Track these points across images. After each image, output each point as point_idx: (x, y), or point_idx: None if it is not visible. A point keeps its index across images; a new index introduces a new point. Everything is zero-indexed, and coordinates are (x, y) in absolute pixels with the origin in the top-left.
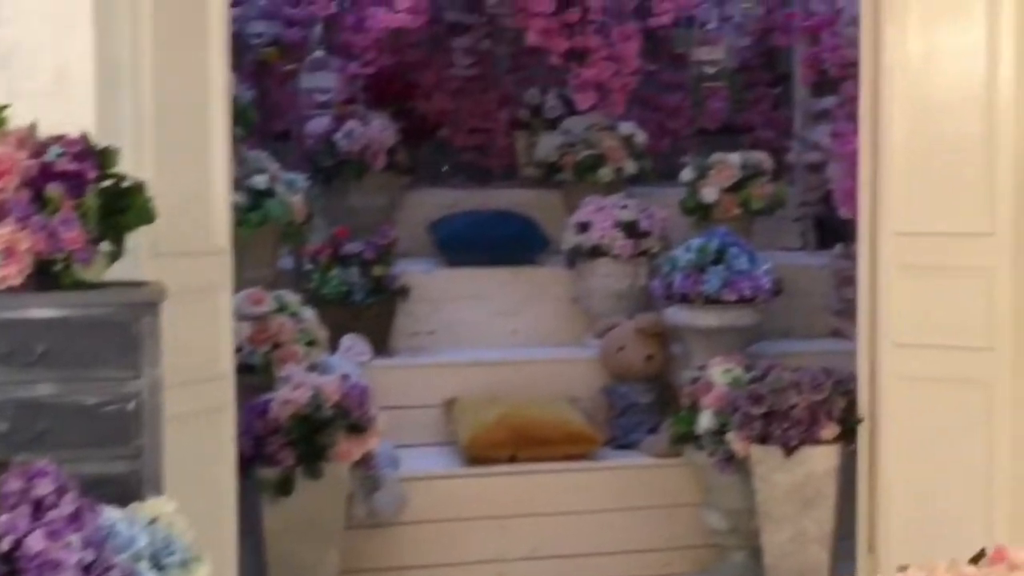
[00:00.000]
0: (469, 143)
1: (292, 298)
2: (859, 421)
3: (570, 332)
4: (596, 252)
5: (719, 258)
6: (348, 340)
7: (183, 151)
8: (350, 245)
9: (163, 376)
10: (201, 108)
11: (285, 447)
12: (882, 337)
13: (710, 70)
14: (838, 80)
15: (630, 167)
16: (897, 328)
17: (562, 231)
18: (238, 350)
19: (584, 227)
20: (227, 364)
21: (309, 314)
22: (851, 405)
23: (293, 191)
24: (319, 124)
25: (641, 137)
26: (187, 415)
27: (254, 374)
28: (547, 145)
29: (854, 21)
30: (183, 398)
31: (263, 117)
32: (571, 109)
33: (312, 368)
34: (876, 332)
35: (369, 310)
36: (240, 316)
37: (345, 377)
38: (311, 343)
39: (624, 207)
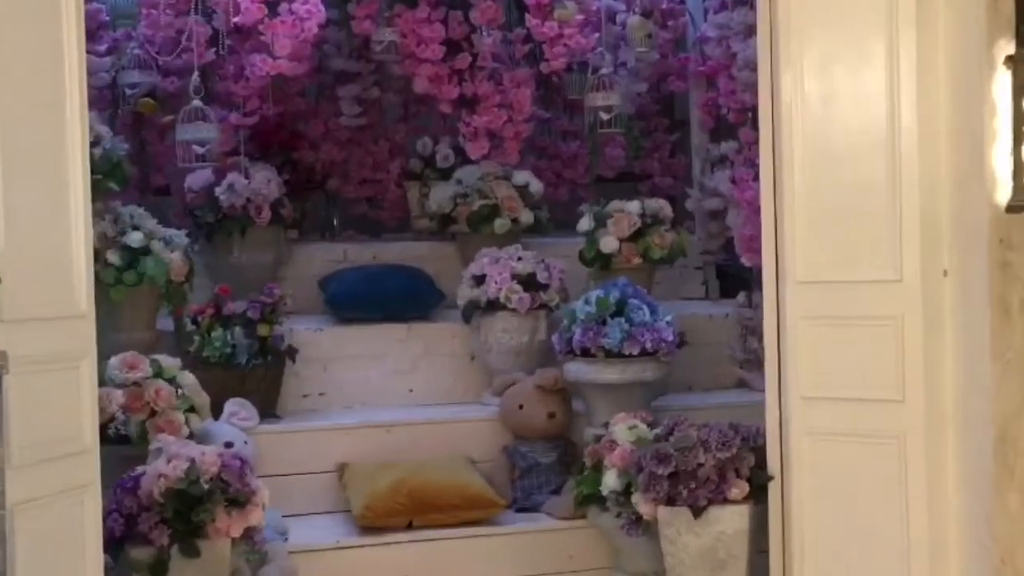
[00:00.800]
0: (360, 194)
1: (170, 362)
2: (769, 479)
3: (468, 390)
4: (493, 306)
5: (620, 310)
6: (232, 405)
7: (35, 207)
8: (233, 304)
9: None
10: (56, 160)
11: (158, 525)
12: (790, 391)
13: (605, 116)
14: (736, 125)
15: (526, 217)
16: (805, 381)
17: (457, 284)
18: (111, 420)
19: (480, 280)
20: (90, 438)
21: (189, 379)
22: (761, 462)
23: (172, 248)
24: (199, 177)
25: (537, 186)
26: (45, 497)
27: (130, 445)
28: (440, 196)
29: (749, 65)
30: (40, 479)
31: (141, 171)
32: (464, 159)
33: (190, 436)
34: (784, 385)
35: (254, 372)
36: (113, 383)
37: (227, 445)
38: (191, 410)
39: (520, 259)
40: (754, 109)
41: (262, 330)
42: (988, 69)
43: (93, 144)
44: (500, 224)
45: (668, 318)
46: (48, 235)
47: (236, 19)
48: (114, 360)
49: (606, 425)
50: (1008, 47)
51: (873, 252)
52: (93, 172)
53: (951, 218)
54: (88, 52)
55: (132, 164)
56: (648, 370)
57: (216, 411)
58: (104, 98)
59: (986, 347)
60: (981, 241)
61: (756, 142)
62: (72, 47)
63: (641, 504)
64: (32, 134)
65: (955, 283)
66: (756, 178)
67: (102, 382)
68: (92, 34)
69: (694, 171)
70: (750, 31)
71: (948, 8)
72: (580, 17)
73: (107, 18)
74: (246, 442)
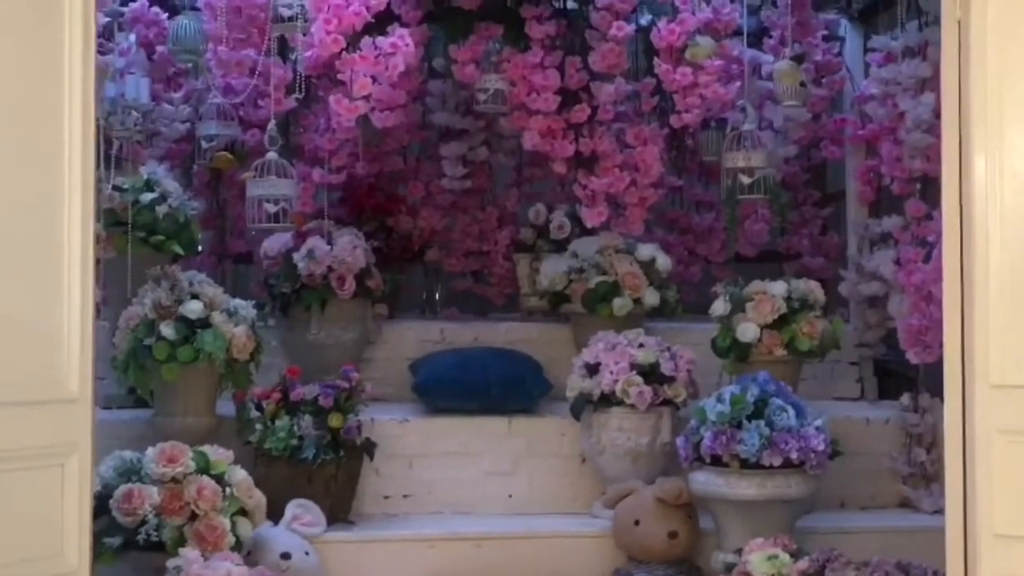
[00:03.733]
0: (463, 268)
1: (220, 454)
2: None
3: (577, 498)
4: (608, 400)
5: (759, 411)
6: (295, 507)
7: (13, 264)
8: (303, 389)
9: None
10: (48, 214)
11: None
12: (979, 526)
13: (747, 179)
14: (902, 197)
15: (650, 298)
16: (1001, 515)
17: (568, 374)
18: (142, 523)
19: (593, 369)
20: (76, 559)
21: (240, 475)
22: None
23: (236, 321)
24: (276, 242)
25: (664, 262)
26: None
27: (163, 552)
28: (552, 270)
29: (921, 126)
30: None
31: (218, 235)
32: (583, 230)
33: (237, 546)
34: (971, 518)
35: (323, 469)
36: (150, 478)
37: (284, 557)
38: (240, 512)
39: (642, 345)
40: (924, 179)
41: (334, 420)
42: None
43: (158, 201)
44: (620, 305)
45: (818, 422)
46: (31, 305)
47: (309, 53)
48: (151, 451)
49: (739, 551)
50: None
51: None
52: (156, 232)
53: None
54: (162, 100)
55: (207, 226)
56: (792, 485)
57: (277, 514)
58: (180, 152)
59: None
60: None
61: (926, 217)
62: (75, 74)
63: None
64: (15, 171)
65: None
66: (926, 260)
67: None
68: (169, 80)
69: (850, 250)
70: (922, 86)
71: None
72: (718, 62)
73: (185, 66)
74: (307, 553)
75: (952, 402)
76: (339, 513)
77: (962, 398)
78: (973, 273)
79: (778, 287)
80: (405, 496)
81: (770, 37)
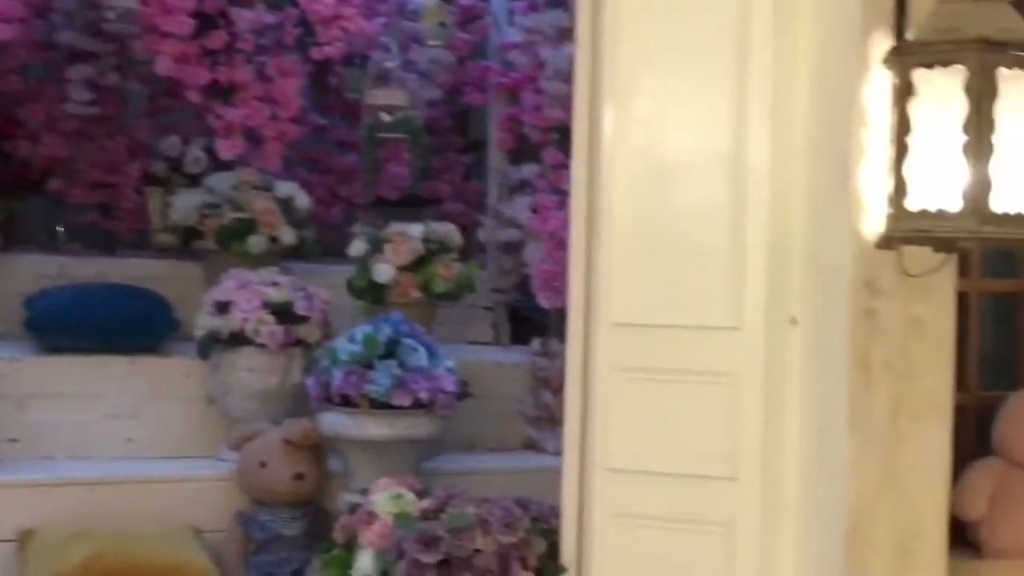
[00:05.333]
0: (89, 200)
1: None
2: (563, 571)
3: (201, 442)
4: (238, 340)
5: (391, 351)
6: None
7: None
8: None
9: None
10: None
11: None
12: (595, 461)
13: (387, 117)
14: (540, 146)
15: (288, 236)
16: (615, 449)
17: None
18: None
19: (224, 308)
20: None
21: None
22: (553, 549)
23: None
24: None
25: (303, 201)
26: None
27: None
28: (185, 205)
29: (561, 75)
30: None
31: None
32: (218, 163)
33: None
34: (587, 453)
35: None
36: None
37: None
38: None
39: (276, 284)
40: (561, 128)
41: None
42: (859, 68)
43: None
44: (255, 242)
45: (449, 364)
46: None
47: None
48: None
49: (365, 492)
50: (886, 40)
51: (708, 292)
52: None
53: (805, 254)
54: None
55: None
56: (421, 425)
57: None
58: None
59: (842, 416)
60: (841, 283)
61: (562, 165)
62: None
63: None
64: None
65: (806, 334)
66: (561, 207)
67: None
68: None
69: (490, 197)
70: (563, 36)
71: None
72: None
73: None
74: None
75: (574, 341)
76: None
77: (584, 338)
78: (599, 217)
79: (416, 230)
80: (12, 441)
81: None
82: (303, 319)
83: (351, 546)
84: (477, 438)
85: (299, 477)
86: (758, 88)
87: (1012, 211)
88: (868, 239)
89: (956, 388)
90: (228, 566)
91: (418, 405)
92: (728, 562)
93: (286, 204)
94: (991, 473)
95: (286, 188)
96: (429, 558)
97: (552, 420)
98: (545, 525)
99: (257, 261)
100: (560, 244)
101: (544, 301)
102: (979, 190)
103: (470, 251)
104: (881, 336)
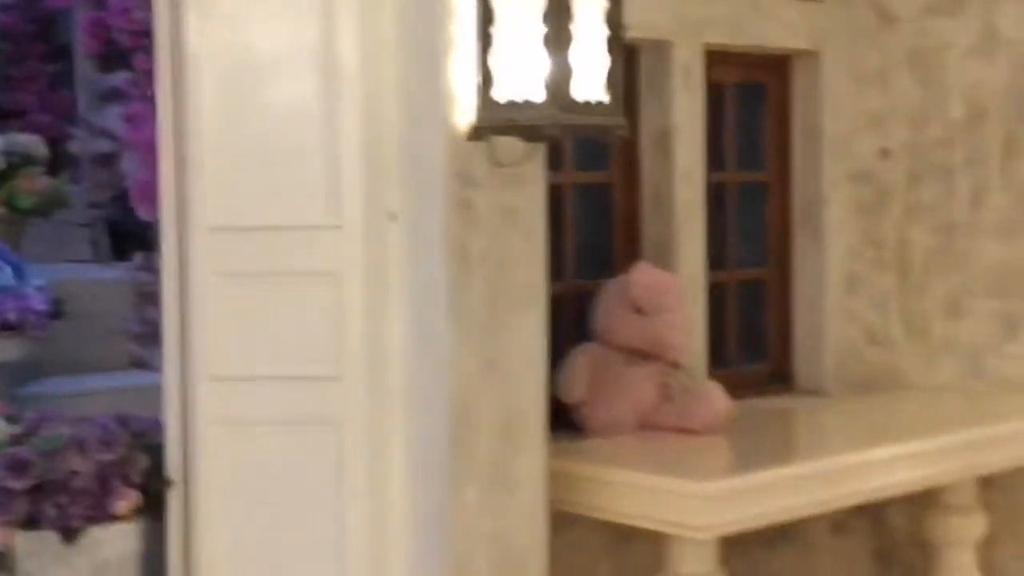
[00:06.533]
0: None
1: None
2: (168, 485)
3: None
4: None
5: None
6: None
7: None
8: None
9: None
10: None
11: None
12: (196, 369)
13: None
14: (130, 51)
15: None
16: (216, 356)
17: None
18: None
19: None
20: None
21: None
22: (157, 464)
23: None
24: None
25: None
26: None
27: None
28: None
29: None
30: None
31: None
32: None
33: None
34: (187, 362)
35: None
36: None
37: None
38: None
39: None
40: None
41: None
42: None
43: None
44: None
45: (39, 283)
46: None
47: None
48: None
49: None
50: None
51: (305, 191)
52: None
53: (400, 148)
54: None
55: None
56: (11, 348)
57: None
58: None
59: (442, 307)
60: (436, 176)
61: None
62: None
63: None
64: None
65: (405, 229)
66: (156, 115)
67: None
68: None
69: (79, 107)
70: None
71: None
72: None
73: None
74: None
75: (169, 249)
76: None
77: (179, 245)
78: (187, 120)
79: None
80: None
81: None
82: None
83: None
84: (81, 360)
85: None
86: None
87: (592, 99)
88: (460, 131)
89: (553, 278)
90: None
91: (7, 327)
92: (338, 461)
93: None
94: (589, 357)
95: None
96: (20, 484)
97: (158, 336)
98: (148, 440)
99: None
100: (155, 152)
101: (143, 213)
102: (560, 79)
103: (61, 165)
104: (477, 227)
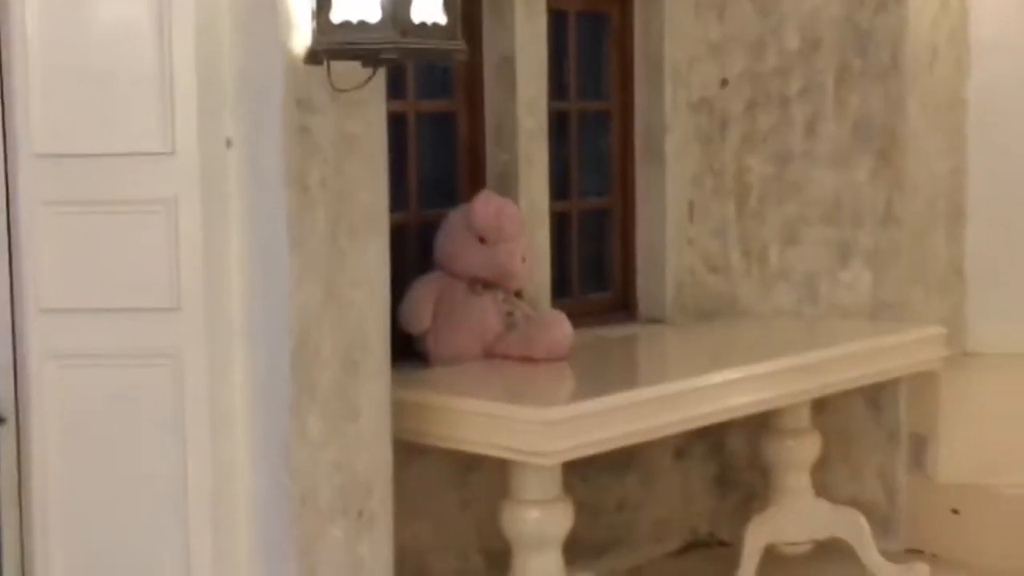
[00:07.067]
0: None
1: None
2: (1, 422)
3: None
4: None
5: None
6: None
7: None
8: None
9: None
10: None
11: None
12: (26, 302)
13: None
14: None
15: None
16: (47, 288)
17: None
18: None
19: None
20: None
21: None
22: None
23: None
24: None
25: None
26: None
27: None
28: None
29: None
30: None
31: None
32: None
33: None
34: (18, 295)
35: None
36: None
37: None
38: None
39: None
40: None
41: None
42: None
43: None
44: None
45: None
46: None
47: None
48: None
49: None
50: None
51: (137, 117)
52: None
53: (236, 73)
54: None
55: None
56: None
57: None
58: None
59: (282, 235)
60: (274, 102)
61: None
62: None
63: None
64: None
65: (242, 156)
66: None
67: None
68: None
69: None
70: None
71: None
72: None
73: None
74: None
75: None
76: None
77: (5, 173)
78: (12, 43)
79: None
80: None
81: None
82: None
83: None
84: None
85: None
86: None
87: (429, 21)
88: (297, 55)
89: (396, 207)
90: None
91: None
92: (176, 393)
93: None
94: (434, 287)
95: None
96: None
97: None
98: None
99: None
100: None
101: None
102: (397, 1)
103: None
104: (316, 154)
